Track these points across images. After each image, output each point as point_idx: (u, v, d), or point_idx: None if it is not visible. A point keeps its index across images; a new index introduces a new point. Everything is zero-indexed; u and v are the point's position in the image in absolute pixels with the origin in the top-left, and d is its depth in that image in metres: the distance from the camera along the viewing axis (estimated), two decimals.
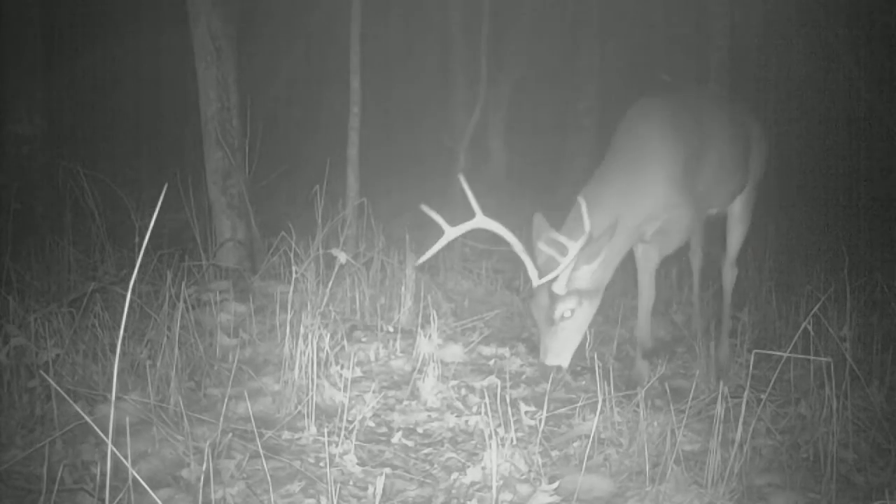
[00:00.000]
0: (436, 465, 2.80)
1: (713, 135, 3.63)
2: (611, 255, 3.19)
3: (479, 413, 3.14)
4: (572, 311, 3.10)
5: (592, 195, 3.16)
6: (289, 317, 3.38)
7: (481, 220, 3.02)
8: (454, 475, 2.67)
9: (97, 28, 8.31)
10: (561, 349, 3.15)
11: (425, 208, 2.97)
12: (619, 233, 3.17)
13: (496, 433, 2.71)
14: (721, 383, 2.81)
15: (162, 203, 2.07)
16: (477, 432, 3.04)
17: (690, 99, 3.86)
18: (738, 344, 3.74)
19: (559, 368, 3.17)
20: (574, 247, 3.00)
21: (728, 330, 4.02)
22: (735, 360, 3.71)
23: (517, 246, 3.05)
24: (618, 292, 4.66)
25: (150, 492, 1.90)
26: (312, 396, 3.03)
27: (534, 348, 4.02)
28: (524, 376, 3.68)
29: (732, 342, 3.86)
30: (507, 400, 3.06)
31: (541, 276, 3.07)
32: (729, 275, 4.16)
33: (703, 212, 3.72)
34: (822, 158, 9.63)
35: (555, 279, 3.02)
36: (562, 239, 3.03)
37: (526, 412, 3.16)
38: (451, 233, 3.00)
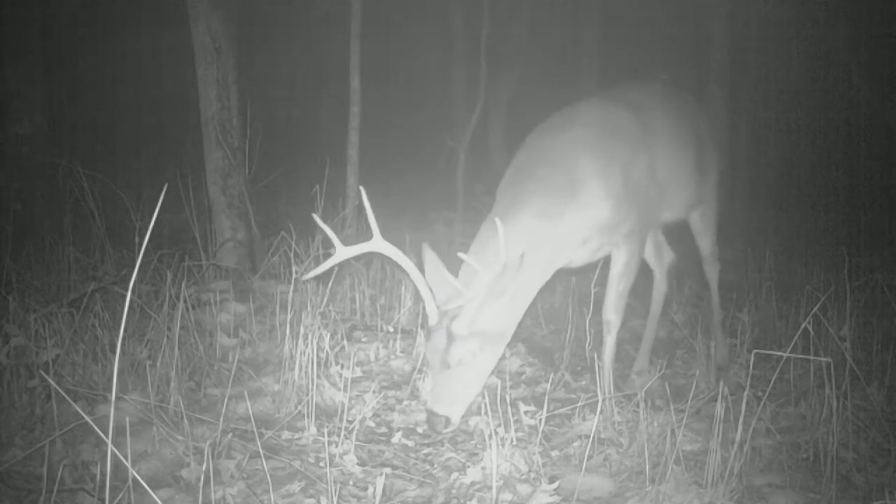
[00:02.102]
0: (436, 465, 2.80)
1: (661, 134, 3.30)
2: (522, 292, 2.85)
3: (479, 413, 3.13)
4: (473, 355, 2.75)
5: (502, 219, 2.76)
6: (289, 317, 3.38)
7: (378, 244, 2.77)
8: (454, 475, 2.67)
9: (97, 28, 8.31)
10: (453, 398, 2.76)
11: (318, 220, 2.79)
12: (533, 266, 2.82)
13: (496, 433, 2.71)
14: (721, 383, 2.81)
15: (162, 203, 2.07)
16: (477, 432, 3.04)
17: (632, 96, 3.42)
18: (738, 344, 3.74)
19: (447, 421, 2.75)
20: (487, 276, 2.64)
21: (721, 324, 3.98)
22: (735, 360, 3.71)
23: (415, 276, 2.74)
24: None
25: (150, 492, 1.90)
26: (312, 396, 3.03)
27: (534, 348, 4.03)
28: (524, 376, 3.68)
29: (732, 342, 3.86)
30: (507, 400, 3.05)
31: (440, 311, 2.74)
32: (711, 271, 4.03)
33: (656, 221, 3.45)
34: (821, 158, 9.63)
35: (455, 317, 2.70)
36: (470, 261, 2.69)
37: (526, 412, 3.16)
38: (343, 252, 2.77)
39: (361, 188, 2.83)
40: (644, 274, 4.00)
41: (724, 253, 6.65)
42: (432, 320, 2.75)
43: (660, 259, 3.95)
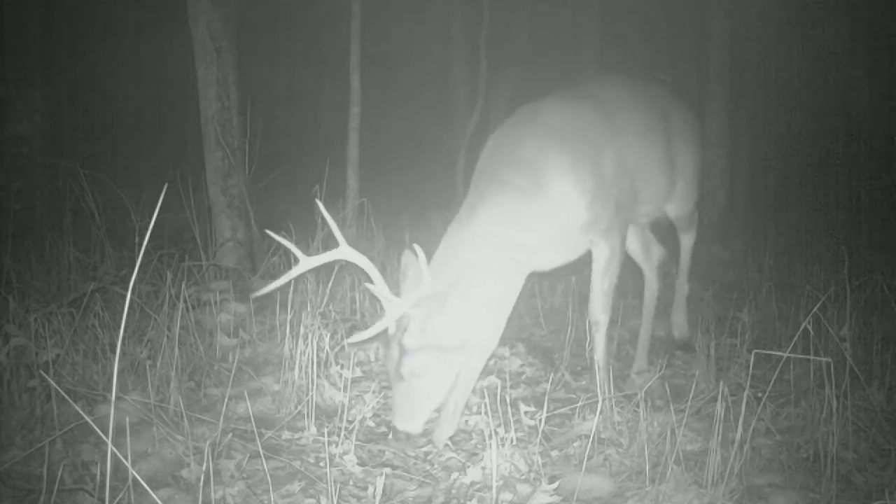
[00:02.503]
0: (436, 465, 2.80)
1: (627, 126, 3.20)
2: (480, 306, 2.76)
3: (479, 413, 3.13)
4: (424, 368, 2.66)
5: (456, 234, 2.76)
6: (289, 317, 3.38)
7: (345, 251, 2.70)
8: (454, 475, 2.67)
9: (97, 28, 8.32)
10: (412, 411, 2.70)
11: (272, 234, 2.75)
12: (496, 274, 2.77)
13: (496, 433, 2.71)
14: (721, 383, 2.81)
15: (162, 203, 2.07)
16: (477, 432, 3.04)
17: (593, 91, 3.33)
18: (738, 344, 3.74)
19: (408, 436, 2.72)
20: (421, 292, 2.61)
21: (685, 295, 3.92)
22: (735, 360, 3.71)
23: (380, 285, 2.66)
24: (618, 292, 4.66)
25: (150, 492, 1.90)
26: (312, 396, 3.03)
27: (534, 348, 4.03)
28: (524, 376, 3.68)
29: (732, 342, 3.85)
30: (507, 400, 3.05)
31: (397, 325, 2.68)
32: (685, 238, 3.93)
33: (632, 214, 3.34)
34: (821, 158, 9.63)
35: (405, 329, 2.64)
36: (386, 293, 2.63)
37: (526, 412, 3.16)
38: (306, 262, 2.70)
39: (318, 202, 2.78)
40: (640, 273, 4.01)
41: (724, 253, 6.69)
42: (391, 331, 2.69)
43: (648, 256, 3.89)
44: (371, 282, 2.68)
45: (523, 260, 2.90)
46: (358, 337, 2.68)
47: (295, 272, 2.71)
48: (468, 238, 2.76)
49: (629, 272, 3.90)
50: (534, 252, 2.92)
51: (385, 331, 2.70)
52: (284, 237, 2.79)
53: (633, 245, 3.83)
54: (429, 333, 2.65)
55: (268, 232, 2.84)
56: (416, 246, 2.61)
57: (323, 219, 4.37)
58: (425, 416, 2.76)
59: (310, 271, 3.84)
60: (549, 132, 2.95)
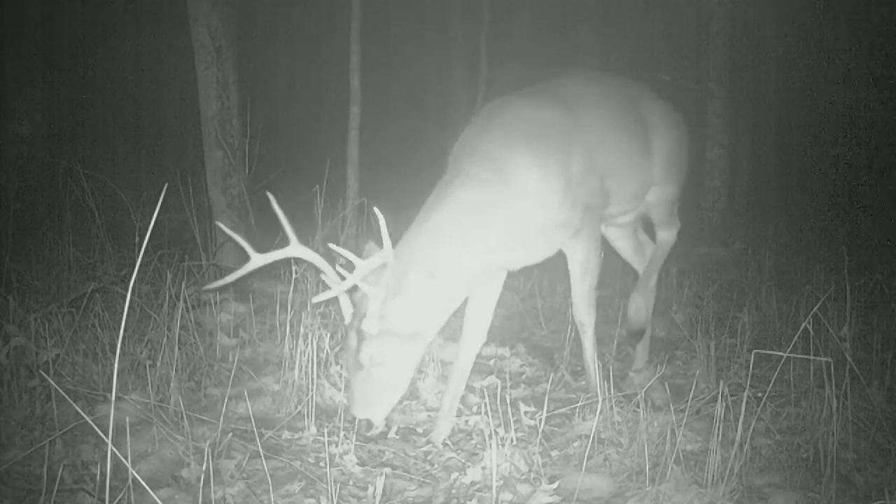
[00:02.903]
0: (436, 465, 2.80)
1: (594, 124, 3.10)
2: (444, 291, 2.72)
3: (479, 413, 3.13)
4: (383, 355, 2.62)
5: (422, 222, 2.75)
6: (289, 317, 3.38)
7: (295, 249, 2.69)
8: (454, 475, 2.67)
9: (97, 28, 8.32)
10: (371, 400, 2.64)
11: (225, 229, 2.71)
12: (456, 265, 2.73)
13: (496, 433, 2.71)
14: (721, 383, 2.81)
15: (162, 203, 2.07)
16: (477, 432, 3.04)
17: (557, 90, 3.22)
18: (738, 344, 3.74)
19: (369, 424, 2.66)
20: (360, 268, 2.56)
21: (647, 284, 3.63)
22: (735, 360, 3.71)
23: (332, 277, 2.64)
24: (617, 292, 4.66)
25: (150, 492, 1.90)
26: (312, 396, 3.03)
27: (534, 348, 4.03)
28: (524, 376, 3.68)
29: (732, 342, 3.85)
30: (507, 400, 3.05)
31: (355, 313, 2.65)
32: (663, 235, 3.66)
33: (604, 214, 3.26)
34: (821, 158, 9.63)
35: (364, 315, 2.61)
36: (352, 258, 2.58)
37: (526, 412, 3.16)
38: (257, 260, 2.69)
39: (270, 195, 2.73)
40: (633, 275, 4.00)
41: (724, 253, 6.69)
42: (346, 320, 2.67)
43: (641, 257, 3.81)
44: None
45: (484, 253, 2.83)
46: (322, 297, 2.64)
47: (245, 270, 2.69)
48: (431, 227, 2.74)
49: (628, 273, 3.90)
50: (498, 247, 2.85)
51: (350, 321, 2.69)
52: (234, 231, 2.76)
53: (626, 247, 3.78)
54: (387, 319, 2.60)
55: (224, 228, 2.83)
56: (375, 209, 2.55)
57: (323, 218, 4.39)
58: (387, 406, 2.70)
59: (310, 272, 3.86)
60: (516, 129, 2.91)
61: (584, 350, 3.23)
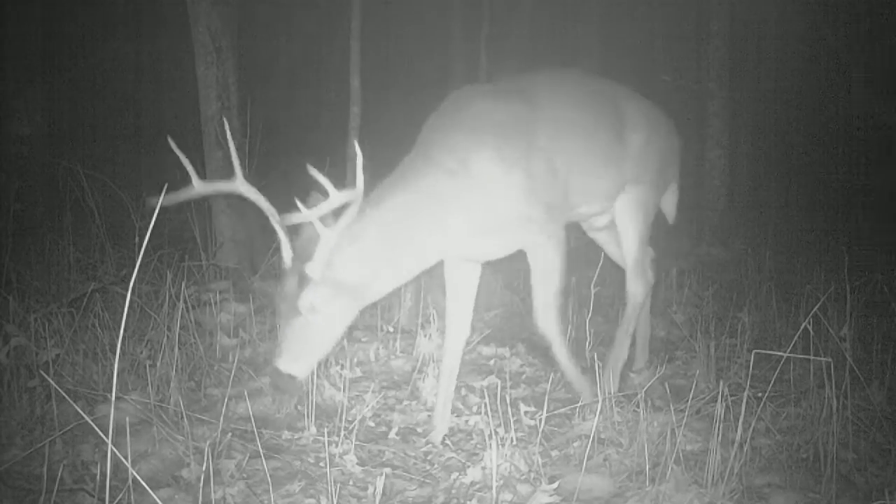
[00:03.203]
0: (436, 465, 2.80)
1: (560, 122, 3.02)
2: (391, 259, 2.70)
3: (479, 413, 3.13)
4: (325, 303, 2.54)
5: (386, 198, 2.72)
6: None
7: (239, 185, 2.59)
8: (454, 475, 2.67)
9: (97, 28, 8.31)
10: (299, 352, 2.56)
11: (174, 146, 2.55)
12: (410, 235, 2.70)
13: (496, 433, 2.71)
14: (721, 383, 2.81)
15: (162, 203, 2.07)
16: (477, 432, 3.04)
17: (524, 86, 3.13)
18: (738, 344, 3.74)
19: (291, 379, 2.55)
20: (333, 197, 2.51)
21: (623, 345, 3.49)
22: (735, 360, 3.71)
23: (273, 216, 2.57)
24: (618, 292, 4.66)
25: (150, 492, 1.90)
26: (312, 396, 3.03)
27: (534, 348, 4.03)
28: (524, 376, 3.68)
29: (732, 342, 3.86)
30: (507, 400, 3.05)
31: (298, 256, 2.58)
32: (632, 289, 3.49)
33: (569, 215, 3.15)
34: (821, 158, 9.63)
35: (310, 259, 2.54)
36: (328, 186, 2.52)
37: (526, 412, 3.16)
38: (199, 187, 2.59)
39: (225, 121, 2.79)
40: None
41: (724, 253, 6.69)
42: (286, 263, 2.59)
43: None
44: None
45: (441, 239, 2.80)
46: (293, 219, 2.56)
47: (189, 193, 2.60)
48: (391, 206, 2.70)
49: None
50: (456, 236, 2.82)
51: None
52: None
53: (616, 253, 3.65)
54: (334, 268, 2.55)
55: (178, 153, 2.60)
56: (355, 143, 2.62)
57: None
58: (312, 362, 2.62)
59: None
60: (482, 121, 2.87)
61: (559, 364, 3.07)
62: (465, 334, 3.13)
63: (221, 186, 2.66)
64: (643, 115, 3.36)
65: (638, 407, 2.91)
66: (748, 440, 2.60)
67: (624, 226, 3.42)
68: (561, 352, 3.05)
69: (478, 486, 2.59)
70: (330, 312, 2.57)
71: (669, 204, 3.82)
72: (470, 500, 2.52)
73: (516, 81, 3.17)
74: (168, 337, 3.14)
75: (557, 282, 2.98)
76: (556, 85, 3.21)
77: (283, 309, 2.58)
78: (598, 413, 2.77)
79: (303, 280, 2.53)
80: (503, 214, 2.85)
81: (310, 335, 2.56)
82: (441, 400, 3.05)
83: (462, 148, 2.80)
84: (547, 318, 2.98)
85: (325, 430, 2.88)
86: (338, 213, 2.59)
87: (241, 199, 4.62)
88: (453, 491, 2.59)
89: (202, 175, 2.65)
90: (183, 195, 2.59)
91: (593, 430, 2.70)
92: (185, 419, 2.77)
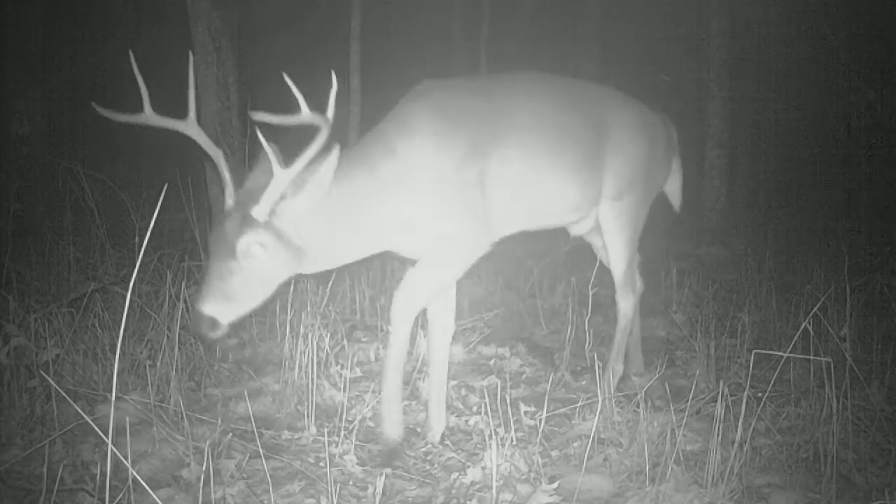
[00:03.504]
0: (436, 465, 2.80)
1: (522, 130, 2.86)
2: (335, 227, 2.59)
3: (479, 413, 3.13)
4: (263, 248, 2.43)
5: (345, 175, 2.60)
6: (289, 317, 3.38)
7: (188, 126, 2.54)
8: (454, 475, 2.67)
9: (97, 28, 8.31)
10: (227, 296, 2.41)
11: (138, 77, 2.53)
12: (348, 207, 2.59)
13: (496, 433, 2.71)
14: (721, 383, 2.81)
15: (162, 203, 2.07)
16: (477, 432, 3.04)
17: (490, 87, 3.01)
18: (738, 344, 3.74)
19: (214, 323, 2.41)
20: (304, 115, 2.43)
21: (618, 359, 3.45)
22: (735, 360, 3.71)
23: (216, 155, 2.51)
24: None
25: (150, 492, 1.90)
26: (312, 396, 3.03)
27: (534, 348, 4.03)
28: (524, 376, 3.68)
29: (732, 342, 3.86)
30: (507, 400, 3.05)
31: (244, 197, 2.48)
32: (621, 304, 3.43)
33: (498, 232, 2.91)
34: (821, 158, 9.63)
35: (256, 202, 2.45)
36: (299, 97, 2.45)
37: (526, 412, 3.16)
38: (150, 118, 2.54)
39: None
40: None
41: (724, 253, 6.69)
42: (228, 204, 2.49)
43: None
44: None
45: (373, 218, 2.69)
46: (267, 118, 2.48)
47: (135, 119, 2.56)
48: (348, 181, 2.61)
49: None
50: (382, 217, 2.70)
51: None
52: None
53: (606, 257, 3.51)
54: (279, 216, 2.46)
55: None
56: (332, 73, 2.46)
57: None
58: (237, 311, 2.47)
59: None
60: (429, 115, 2.74)
61: (383, 372, 2.80)
62: (451, 328, 3.05)
63: (171, 123, 2.59)
64: (629, 127, 3.19)
65: (638, 407, 2.91)
66: (748, 440, 2.60)
67: (611, 240, 3.32)
68: (395, 355, 2.76)
69: (478, 486, 2.59)
70: (265, 262, 2.45)
71: (674, 188, 3.70)
72: (470, 500, 2.52)
73: (482, 81, 3.09)
74: (168, 337, 3.14)
75: (427, 294, 2.80)
76: (525, 91, 3.03)
77: (217, 249, 2.44)
78: (598, 413, 2.77)
79: (245, 222, 2.42)
80: (427, 210, 2.69)
81: (240, 282, 2.43)
82: (433, 399, 3.03)
83: (410, 129, 2.70)
84: (406, 309, 2.73)
85: (325, 430, 2.88)
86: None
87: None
88: (453, 491, 2.59)
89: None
90: (133, 119, 2.56)
91: (593, 430, 2.70)
92: (185, 419, 2.78)
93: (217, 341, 2.49)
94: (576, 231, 3.40)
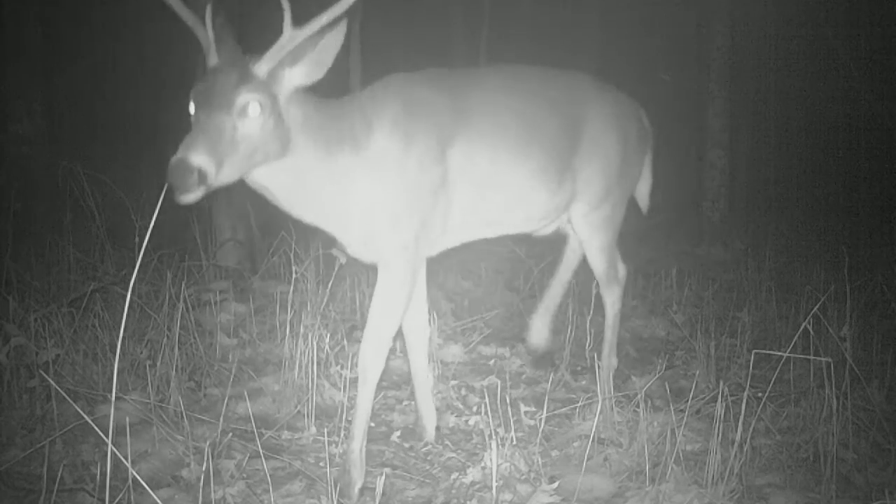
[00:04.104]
0: (436, 465, 2.80)
1: (487, 131, 2.70)
2: (316, 121, 2.39)
3: (479, 413, 3.14)
4: (260, 110, 2.23)
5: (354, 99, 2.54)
6: (289, 317, 3.38)
7: None
8: (454, 475, 2.67)
9: (97, 28, 8.32)
10: (219, 151, 2.17)
11: None
12: (316, 142, 2.39)
13: (496, 433, 2.71)
14: (721, 383, 2.80)
15: (162, 203, 2.07)
16: (477, 432, 3.04)
17: (457, 82, 2.83)
18: (738, 344, 3.74)
19: (201, 176, 2.12)
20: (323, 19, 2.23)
21: (611, 356, 3.40)
22: (735, 360, 3.71)
23: (195, 23, 2.32)
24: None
25: (150, 492, 1.90)
26: (312, 396, 3.03)
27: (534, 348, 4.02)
28: (524, 376, 3.68)
29: (732, 342, 3.86)
30: (507, 400, 3.05)
31: (222, 59, 2.29)
32: (607, 298, 3.36)
33: (447, 241, 2.76)
34: (821, 158, 9.64)
35: (260, 59, 2.27)
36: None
37: (526, 412, 3.16)
38: None
39: None
40: (634, 277, 3.99)
41: (724, 253, 6.69)
42: (212, 62, 2.31)
43: (566, 270, 3.48)
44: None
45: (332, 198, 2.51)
46: None
47: None
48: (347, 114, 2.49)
49: (629, 273, 3.89)
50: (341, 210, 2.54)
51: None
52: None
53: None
54: (276, 77, 2.28)
55: None
56: None
57: None
58: (231, 173, 2.24)
59: (309, 271, 3.85)
60: (395, 104, 2.58)
61: (358, 407, 2.56)
62: (424, 329, 2.93)
63: None
64: (606, 130, 3.03)
65: (638, 407, 2.91)
66: (748, 440, 2.60)
67: (589, 245, 3.22)
68: (368, 396, 2.56)
69: (478, 486, 2.59)
70: (256, 129, 2.24)
71: (643, 191, 3.53)
72: (470, 500, 2.52)
73: (453, 75, 2.93)
74: (168, 337, 3.14)
75: (398, 316, 2.59)
76: (495, 87, 2.88)
77: (208, 102, 2.21)
78: (598, 413, 2.77)
79: (244, 78, 2.23)
80: (378, 204, 2.51)
81: (228, 142, 2.20)
82: (421, 400, 3.00)
83: (373, 119, 2.53)
84: (376, 351, 2.55)
85: (325, 430, 2.88)
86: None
87: (241, 200, 4.63)
88: (453, 491, 2.59)
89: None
90: None
91: (593, 430, 2.70)
92: (185, 419, 2.77)
93: (192, 201, 2.19)
94: (540, 234, 3.24)
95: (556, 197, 2.92)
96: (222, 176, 2.21)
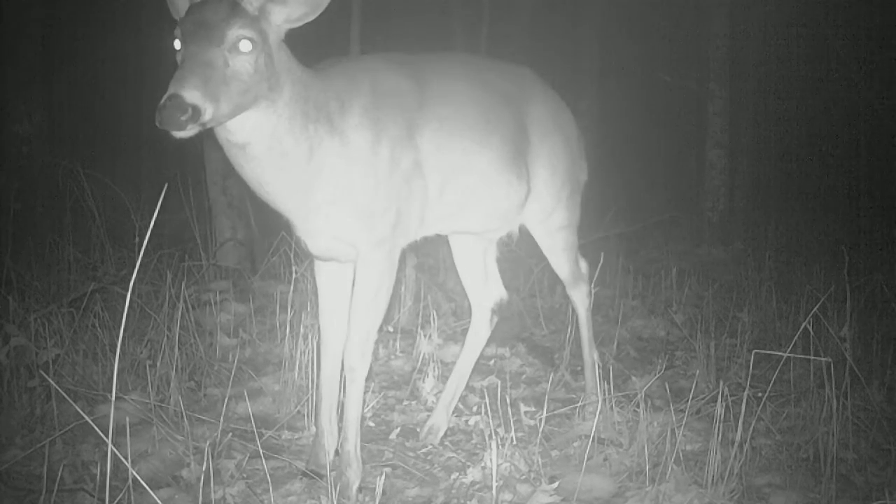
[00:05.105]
0: (436, 465, 2.80)
1: (450, 119, 2.61)
2: (291, 75, 2.30)
3: (479, 413, 3.13)
4: (251, 46, 2.14)
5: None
6: (289, 317, 3.38)
7: None
8: (454, 475, 2.67)
9: (97, 28, 8.31)
10: (207, 82, 2.07)
11: None
12: (294, 103, 2.29)
13: (496, 433, 2.71)
14: (721, 383, 2.80)
15: (162, 203, 2.07)
16: (477, 432, 3.04)
17: (420, 67, 2.68)
18: (738, 344, 3.74)
19: (196, 112, 2.04)
20: None
21: (592, 357, 3.30)
22: (735, 360, 3.71)
23: None
24: (618, 293, 4.67)
25: (150, 492, 1.90)
26: (312, 396, 3.03)
27: (534, 348, 4.03)
28: (524, 376, 3.68)
29: (732, 342, 3.86)
30: (507, 400, 3.05)
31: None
32: (576, 295, 3.27)
33: (421, 231, 2.65)
34: (821, 158, 9.64)
35: None
36: None
37: (526, 412, 3.16)
38: None
39: None
40: (631, 277, 3.98)
41: (724, 253, 6.69)
42: None
43: (485, 291, 3.18)
44: None
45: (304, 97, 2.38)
46: None
47: None
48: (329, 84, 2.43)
49: (628, 273, 3.90)
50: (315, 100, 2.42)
51: None
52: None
53: (467, 268, 3.19)
54: (265, 13, 2.21)
55: None
56: None
57: None
58: (224, 111, 2.12)
59: (309, 271, 3.84)
60: (378, 94, 2.49)
61: (347, 404, 2.53)
62: (340, 339, 2.69)
63: None
64: (551, 132, 2.96)
65: (638, 407, 2.90)
66: (748, 440, 2.60)
67: (550, 249, 3.12)
68: (358, 393, 2.53)
69: (478, 486, 2.59)
70: (248, 66, 2.15)
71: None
72: (470, 500, 2.52)
73: (417, 60, 2.75)
74: (168, 337, 3.14)
75: (382, 312, 2.53)
76: (457, 75, 2.78)
77: (197, 35, 2.12)
78: (598, 413, 2.77)
79: (235, 11, 2.15)
80: (359, 193, 2.40)
81: (219, 77, 2.11)
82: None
83: (348, 107, 2.42)
84: (362, 351, 2.49)
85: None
86: None
87: (241, 200, 4.63)
88: (453, 491, 2.59)
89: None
90: None
91: (593, 430, 2.70)
92: (185, 419, 2.77)
93: (184, 137, 2.13)
94: (493, 236, 3.10)
95: (513, 192, 2.81)
96: (215, 113, 2.09)
